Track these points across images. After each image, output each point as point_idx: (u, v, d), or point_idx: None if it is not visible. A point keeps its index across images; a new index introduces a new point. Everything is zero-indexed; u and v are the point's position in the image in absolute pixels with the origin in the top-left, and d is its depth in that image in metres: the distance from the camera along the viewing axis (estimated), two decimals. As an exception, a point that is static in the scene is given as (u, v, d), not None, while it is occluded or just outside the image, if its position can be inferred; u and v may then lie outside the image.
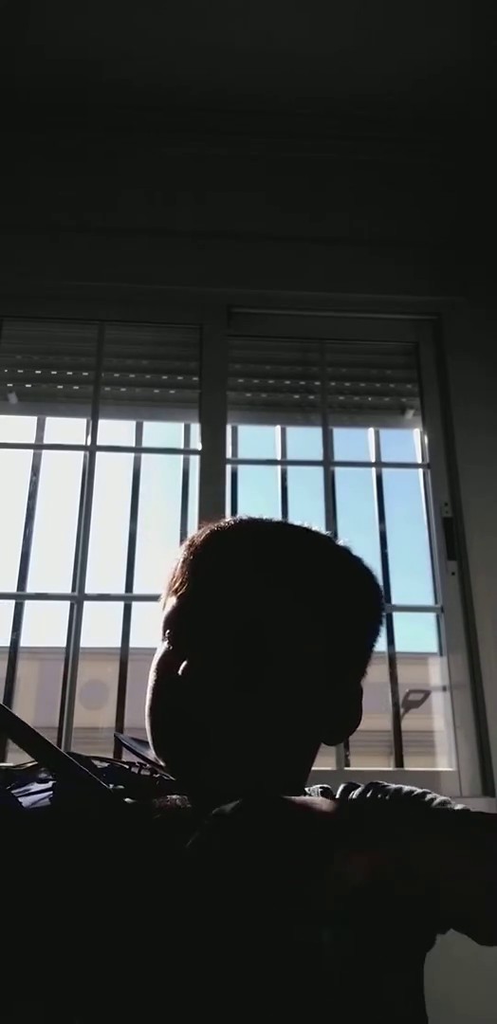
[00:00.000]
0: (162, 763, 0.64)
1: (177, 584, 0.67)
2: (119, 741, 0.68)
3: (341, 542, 0.74)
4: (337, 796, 0.70)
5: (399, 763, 1.73)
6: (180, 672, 0.60)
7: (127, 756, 0.69)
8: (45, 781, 0.60)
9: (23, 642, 1.78)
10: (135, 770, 0.66)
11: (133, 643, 1.79)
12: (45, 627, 1.89)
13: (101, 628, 1.82)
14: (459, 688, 1.70)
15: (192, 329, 2.01)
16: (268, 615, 0.62)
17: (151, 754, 0.65)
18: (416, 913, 0.59)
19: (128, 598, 1.82)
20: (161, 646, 0.66)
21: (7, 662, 1.77)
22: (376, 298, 2.02)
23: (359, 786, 0.70)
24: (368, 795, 0.67)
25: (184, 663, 0.61)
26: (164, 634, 0.66)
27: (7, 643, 1.77)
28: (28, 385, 2.04)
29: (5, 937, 0.49)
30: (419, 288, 2.02)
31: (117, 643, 1.79)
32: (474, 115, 2.06)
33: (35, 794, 0.58)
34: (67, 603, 1.77)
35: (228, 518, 0.72)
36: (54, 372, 2.04)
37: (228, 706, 0.59)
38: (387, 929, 0.58)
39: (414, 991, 0.61)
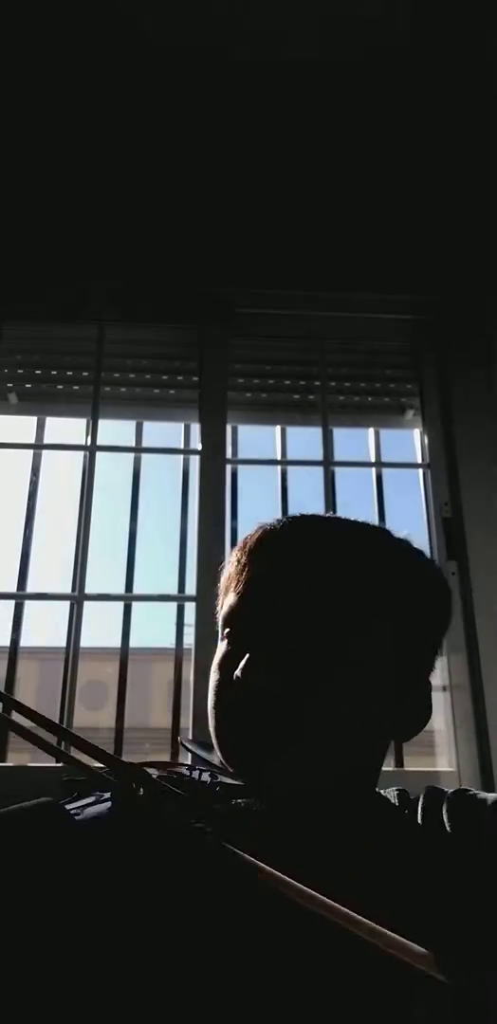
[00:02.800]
0: (228, 766, 0.62)
1: (238, 583, 0.66)
2: (183, 746, 0.67)
3: (400, 535, 0.72)
4: (421, 799, 0.66)
5: (399, 763, 1.72)
6: (241, 672, 0.59)
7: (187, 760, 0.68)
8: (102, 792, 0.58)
9: (23, 642, 1.78)
10: (195, 775, 0.64)
11: (133, 643, 1.79)
12: (45, 627, 1.90)
13: (101, 628, 1.83)
14: (459, 688, 1.70)
15: (192, 329, 2.01)
16: (335, 616, 0.61)
17: (216, 758, 0.64)
18: None
19: (128, 598, 1.82)
20: (221, 645, 0.65)
21: (7, 662, 1.77)
22: (376, 298, 2.02)
23: (445, 791, 0.66)
24: (462, 803, 0.63)
25: (246, 659, 0.59)
26: (223, 633, 0.66)
27: (7, 643, 1.77)
28: (28, 385, 2.04)
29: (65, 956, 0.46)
30: (419, 288, 2.02)
31: (117, 643, 1.79)
32: (475, 113, 2.06)
33: (98, 804, 0.56)
34: (67, 603, 1.77)
35: (281, 517, 0.71)
36: (54, 372, 2.04)
37: (295, 707, 0.58)
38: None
39: None
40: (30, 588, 1.82)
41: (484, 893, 0.56)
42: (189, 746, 0.68)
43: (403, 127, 2.09)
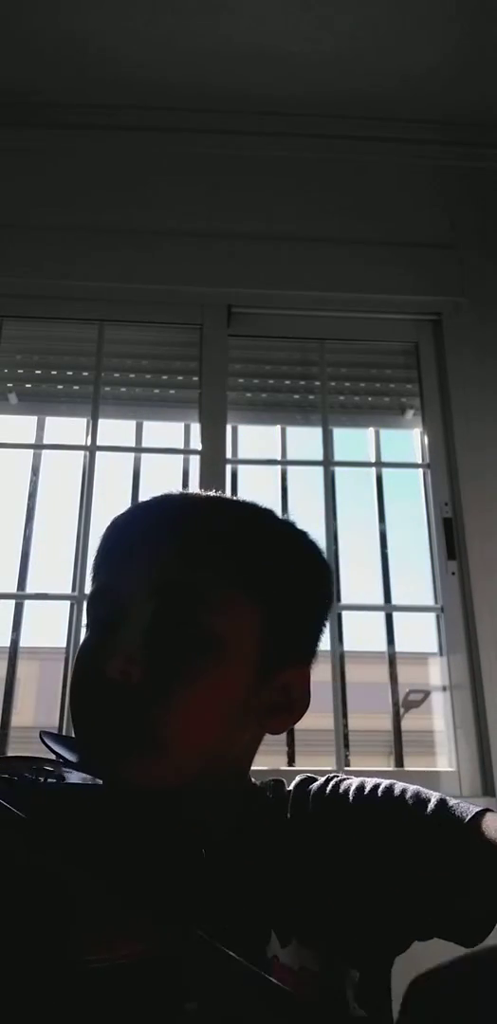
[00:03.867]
0: (84, 761, 0.58)
1: (95, 569, 0.63)
2: (42, 741, 0.59)
3: (286, 518, 0.68)
4: (291, 789, 0.65)
5: (399, 763, 1.72)
6: (93, 664, 0.56)
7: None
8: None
9: (23, 642, 1.78)
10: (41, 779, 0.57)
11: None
12: (45, 627, 1.90)
13: (101, 628, 1.82)
14: (459, 688, 1.70)
15: (192, 329, 2.01)
16: (195, 597, 0.57)
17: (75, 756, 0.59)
18: (395, 921, 0.58)
19: (128, 598, 1.81)
20: (85, 634, 0.62)
21: (7, 662, 1.77)
22: (376, 298, 2.02)
23: (316, 779, 0.65)
24: (327, 789, 0.63)
25: (105, 654, 0.55)
26: (88, 620, 0.62)
27: (7, 643, 1.77)
28: (28, 385, 2.04)
29: None
30: (419, 288, 2.02)
31: (117, 643, 1.78)
32: (474, 115, 2.06)
33: None
34: (67, 603, 1.77)
35: (156, 494, 0.67)
36: (54, 372, 2.04)
37: (146, 705, 0.54)
38: (357, 933, 0.56)
39: (379, 993, 0.58)
40: (30, 588, 1.82)
41: (347, 864, 0.57)
42: (48, 741, 0.60)
43: (404, 130, 2.10)
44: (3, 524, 1.95)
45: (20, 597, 1.80)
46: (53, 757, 0.57)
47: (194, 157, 2.10)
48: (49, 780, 0.48)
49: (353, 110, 2.06)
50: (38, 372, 2.04)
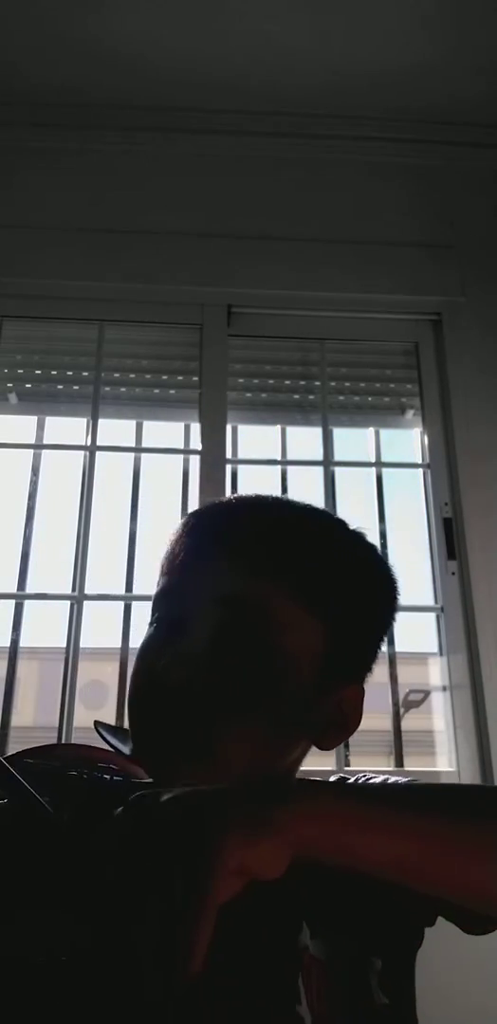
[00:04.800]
0: (139, 759, 0.59)
1: (166, 564, 0.62)
2: (98, 732, 0.61)
3: (354, 527, 0.66)
4: None
5: (399, 763, 1.72)
6: (163, 665, 0.55)
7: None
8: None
9: (23, 642, 1.78)
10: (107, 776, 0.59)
11: (133, 643, 1.78)
12: (45, 627, 1.89)
13: (101, 628, 1.83)
14: (459, 688, 1.70)
15: (192, 329, 2.01)
16: (262, 612, 0.57)
17: (130, 746, 0.60)
18: (401, 910, 0.57)
19: (128, 598, 1.81)
20: (147, 631, 0.61)
21: (7, 662, 1.77)
22: (376, 298, 2.02)
23: (348, 779, 0.65)
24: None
25: (166, 657, 0.56)
26: (152, 617, 0.61)
27: (7, 643, 1.77)
28: (28, 385, 2.04)
29: None
30: (419, 288, 2.02)
31: (117, 643, 1.79)
32: (474, 114, 2.06)
33: None
34: (67, 603, 1.77)
35: (229, 495, 0.67)
36: (54, 372, 2.04)
37: (213, 708, 0.54)
38: (372, 926, 0.56)
39: (404, 989, 0.58)
40: (30, 588, 1.82)
41: None
42: (104, 734, 0.62)
43: (404, 130, 2.10)
44: (3, 524, 1.95)
45: (20, 597, 1.80)
46: (105, 746, 0.58)
47: (194, 157, 2.10)
48: (116, 778, 0.50)
49: (353, 110, 2.06)
50: (38, 372, 2.04)
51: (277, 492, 1.92)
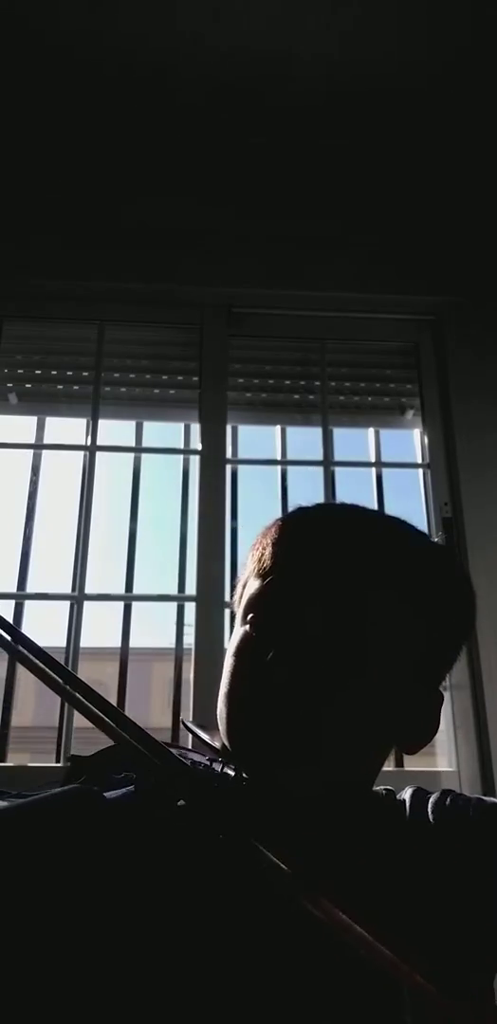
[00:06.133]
0: (235, 758, 0.59)
1: (266, 566, 0.61)
2: (185, 726, 0.64)
3: (437, 540, 0.70)
4: (406, 798, 0.64)
5: (399, 763, 1.72)
6: (268, 661, 0.56)
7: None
8: (119, 773, 0.57)
9: (23, 642, 1.78)
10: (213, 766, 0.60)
11: (133, 643, 1.79)
12: (45, 627, 1.90)
13: (101, 628, 1.83)
14: (459, 688, 1.70)
15: (192, 329, 2.01)
16: (370, 610, 0.58)
17: (217, 741, 0.61)
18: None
19: (128, 598, 1.82)
20: (240, 630, 0.61)
21: (7, 662, 1.77)
22: (376, 298, 2.02)
23: (430, 792, 0.64)
24: (447, 801, 0.62)
25: (272, 652, 0.56)
26: (244, 618, 0.61)
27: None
28: (28, 385, 2.04)
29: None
30: (419, 288, 2.02)
31: (117, 643, 1.79)
32: (474, 114, 2.06)
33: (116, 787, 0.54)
34: (67, 603, 1.77)
35: (317, 503, 0.68)
36: (54, 372, 2.04)
37: (317, 707, 0.55)
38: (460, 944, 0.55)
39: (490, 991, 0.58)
40: (30, 588, 1.82)
41: (467, 882, 0.56)
42: (192, 727, 0.64)
43: (405, 131, 2.09)
44: (3, 524, 1.95)
45: (20, 597, 1.80)
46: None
47: (194, 157, 2.10)
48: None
49: (353, 109, 2.06)
50: (38, 372, 2.04)
51: (277, 492, 1.93)
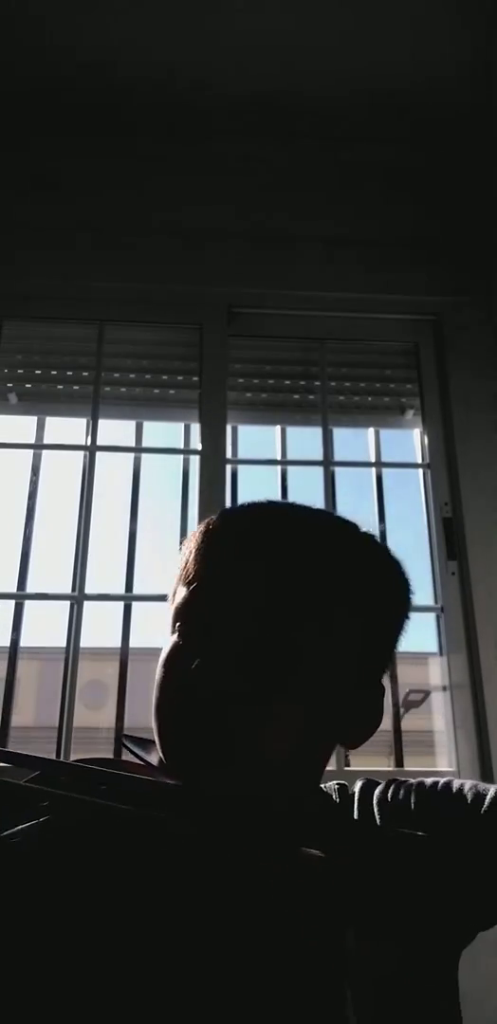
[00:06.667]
0: (167, 767, 0.58)
1: (190, 573, 0.61)
2: (124, 744, 0.61)
3: (364, 529, 0.67)
4: (355, 792, 0.65)
5: (399, 763, 1.72)
6: (193, 670, 0.55)
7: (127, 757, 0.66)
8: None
9: (23, 642, 1.78)
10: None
11: (133, 643, 1.79)
12: (45, 627, 1.90)
13: (101, 628, 1.83)
14: (459, 688, 1.70)
15: (192, 329, 2.01)
16: (300, 611, 0.56)
17: (154, 757, 0.60)
18: (462, 911, 0.57)
19: (128, 598, 1.82)
20: (170, 640, 0.60)
21: (7, 662, 1.77)
22: (376, 298, 2.02)
23: (379, 783, 0.65)
24: (389, 795, 0.62)
25: (197, 661, 0.55)
26: (173, 627, 0.60)
27: (7, 643, 1.77)
28: (28, 385, 2.04)
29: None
30: (419, 288, 2.02)
31: (117, 643, 1.79)
32: (474, 115, 2.06)
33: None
34: (67, 603, 1.77)
35: (243, 503, 0.66)
36: (54, 372, 2.04)
37: (248, 713, 0.54)
38: (427, 926, 0.55)
39: (451, 988, 0.58)
40: (30, 588, 1.82)
41: (412, 871, 0.56)
42: (129, 745, 0.62)
43: (404, 131, 2.09)
44: (3, 524, 1.95)
45: (20, 597, 1.80)
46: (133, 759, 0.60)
47: (194, 157, 2.10)
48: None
49: (353, 110, 2.06)
50: (38, 372, 2.04)
51: (277, 492, 1.92)
